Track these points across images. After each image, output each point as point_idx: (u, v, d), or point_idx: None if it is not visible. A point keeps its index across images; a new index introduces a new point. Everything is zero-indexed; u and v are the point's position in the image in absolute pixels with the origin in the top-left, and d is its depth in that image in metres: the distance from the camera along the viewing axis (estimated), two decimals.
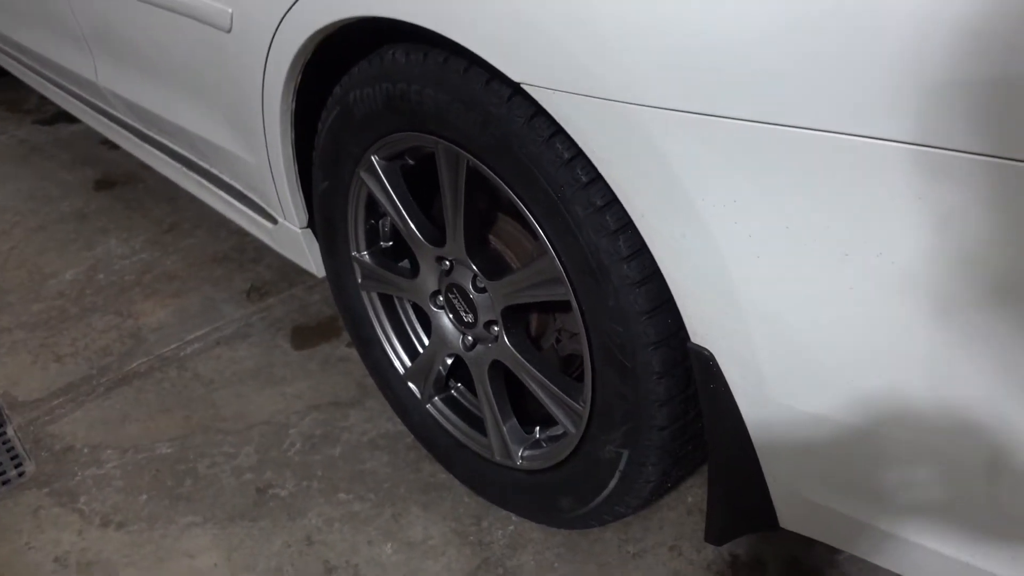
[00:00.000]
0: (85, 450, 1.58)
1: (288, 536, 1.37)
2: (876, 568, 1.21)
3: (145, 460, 1.54)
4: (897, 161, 0.67)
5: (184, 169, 1.90)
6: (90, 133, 2.89)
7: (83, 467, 1.54)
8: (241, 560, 1.33)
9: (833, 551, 1.26)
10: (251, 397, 1.69)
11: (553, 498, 1.22)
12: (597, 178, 0.91)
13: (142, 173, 2.64)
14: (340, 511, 1.41)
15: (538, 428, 1.27)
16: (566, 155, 0.92)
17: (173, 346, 1.85)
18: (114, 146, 2.78)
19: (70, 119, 3.01)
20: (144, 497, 1.46)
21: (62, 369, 1.80)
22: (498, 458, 1.29)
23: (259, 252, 2.18)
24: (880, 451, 0.83)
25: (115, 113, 2.14)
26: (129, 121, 2.09)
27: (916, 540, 0.84)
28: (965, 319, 0.70)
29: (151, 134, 2.00)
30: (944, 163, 0.65)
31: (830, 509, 0.90)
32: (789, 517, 0.97)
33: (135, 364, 1.80)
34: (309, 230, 1.53)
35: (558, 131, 0.92)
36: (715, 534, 1.04)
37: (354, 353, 1.78)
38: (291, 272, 2.08)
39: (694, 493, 1.39)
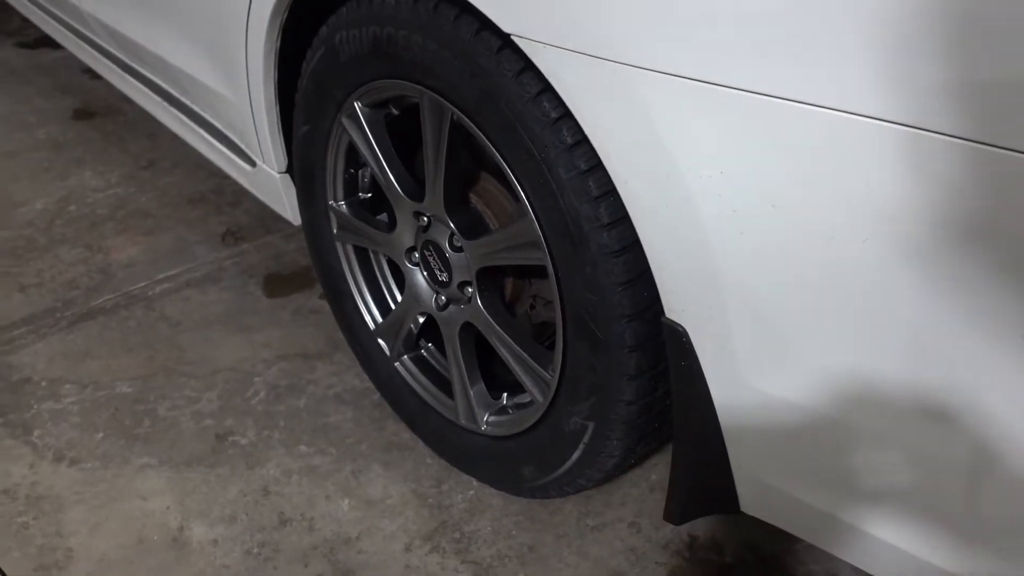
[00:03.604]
0: (43, 383, 1.54)
1: (244, 485, 1.35)
2: (833, 558, 1.21)
3: (104, 398, 1.51)
4: (888, 142, 0.64)
5: (164, 104, 1.84)
6: (72, 61, 2.81)
7: (40, 400, 1.50)
8: (194, 505, 1.31)
9: (793, 539, 1.26)
10: (218, 342, 1.65)
11: (516, 466, 1.21)
12: (582, 141, 0.88)
13: (123, 106, 2.57)
14: (300, 463, 1.38)
15: (505, 395, 1.25)
16: (553, 114, 0.89)
17: (142, 284, 1.81)
18: (96, 76, 2.70)
19: (53, 45, 2.92)
20: (100, 435, 1.43)
21: (25, 299, 1.76)
22: (463, 422, 1.27)
23: (237, 196, 2.13)
24: (848, 441, 0.81)
25: (98, 41, 2.07)
26: (112, 50, 2.02)
27: (876, 534, 0.83)
28: (950, 311, 0.68)
29: (133, 65, 1.94)
30: (938, 148, 0.62)
31: (792, 496, 0.89)
32: (750, 502, 0.96)
33: (101, 300, 1.76)
34: (288, 175, 1.48)
35: (546, 88, 0.89)
36: (675, 513, 1.02)
37: (326, 306, 1.74)
38: (268, 219, 2.04)
39: (658, 471, 1.38)
